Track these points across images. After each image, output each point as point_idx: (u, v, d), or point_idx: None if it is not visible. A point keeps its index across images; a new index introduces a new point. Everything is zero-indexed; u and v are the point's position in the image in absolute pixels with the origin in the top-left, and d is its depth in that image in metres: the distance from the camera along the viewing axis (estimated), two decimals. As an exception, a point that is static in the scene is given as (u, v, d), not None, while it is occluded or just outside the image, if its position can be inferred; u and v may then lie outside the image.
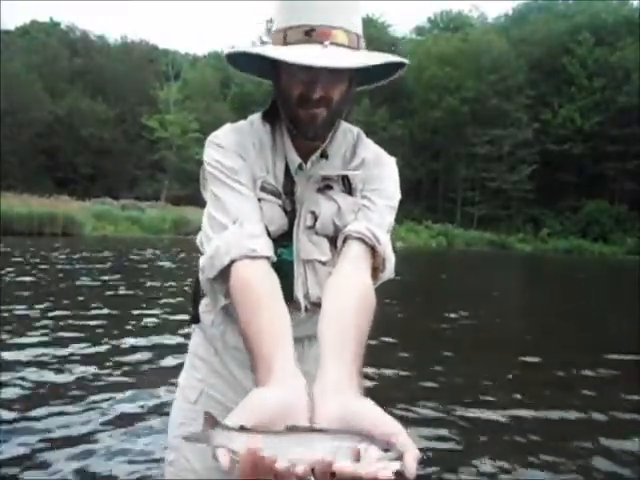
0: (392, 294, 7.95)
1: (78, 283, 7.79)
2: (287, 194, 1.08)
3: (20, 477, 2.24)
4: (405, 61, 1.00)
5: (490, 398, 3.64)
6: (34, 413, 2.87)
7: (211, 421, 0.64)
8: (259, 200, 1.04)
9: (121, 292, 7.26)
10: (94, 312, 5.69)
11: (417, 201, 43.40)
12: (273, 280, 0.93)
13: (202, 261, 1.02)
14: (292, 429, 0.64)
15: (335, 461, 0.58)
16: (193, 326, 1.32)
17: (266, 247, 0.97)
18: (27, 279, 7.76)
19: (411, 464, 0.58)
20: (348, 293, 0.91)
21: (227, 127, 1.11)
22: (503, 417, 3.27)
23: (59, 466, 2.35)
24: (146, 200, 29.88)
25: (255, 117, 1.13)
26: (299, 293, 1.09)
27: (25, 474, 2.26)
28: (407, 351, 4.92)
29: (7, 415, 2.82)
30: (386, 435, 0.63)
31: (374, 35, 43.14)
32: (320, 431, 0.65)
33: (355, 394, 0.73)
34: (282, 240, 1.06)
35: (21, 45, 45.76)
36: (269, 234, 1.02)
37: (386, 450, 0.60)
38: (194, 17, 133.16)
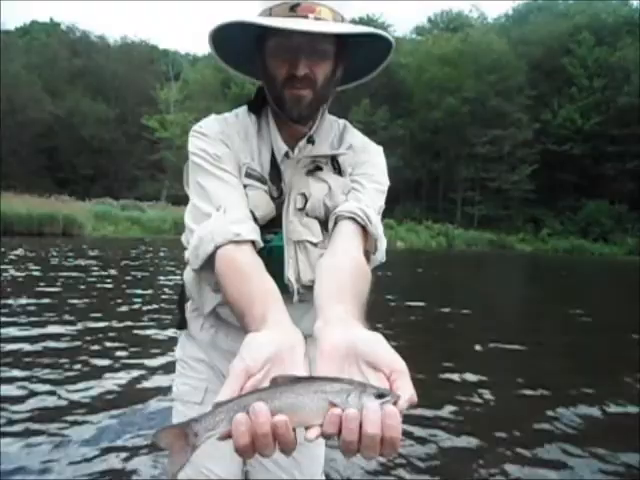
0: (390, 292, 7.95)
1: (78, 282, 7.79)
2: (273, 182, 1.06)
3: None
4: (389, 37, 1.00)
5: (485, 391, 3.65)
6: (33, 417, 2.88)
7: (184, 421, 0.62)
8: (244, 186, 1.03)
9: (121, 291, 7.26)
10: (94, 314, 5.69)
11: (417, 201, 43.41)
12: (260, 262, 0.91)
13: (187, 254, 1.00)
14: (275, 380, 0.61)
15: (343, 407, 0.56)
16: (179, 333, 1.29)
17: (252, 231, 0.95)
18: (27, 279, 7.76)
19: (402, 405, 0.57)
20: (342, 264, 0.89)
21: (211, 117, 1.11)
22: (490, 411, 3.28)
23: (52, 467, 2.35)
24: (146, 200, 29.89)
25: (240, 110, 1.13)
26: (290, 275, 1.04)
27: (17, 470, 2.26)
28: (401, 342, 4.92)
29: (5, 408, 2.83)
30: (389, 370, 0.62)
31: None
32: (309, 379, 0.61)
33: (361, 325, 0.70)
34: (271, 227, 1.04)
35: (21, 45, 45.85)
36: (256, 220, 1.00)
37: (381, 396, 0.57)
38: (194, 17, 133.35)
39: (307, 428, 0.57)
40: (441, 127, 42.72)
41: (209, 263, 0.94)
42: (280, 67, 0.98)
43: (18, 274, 8.21)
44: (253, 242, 0.94)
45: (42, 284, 7.33)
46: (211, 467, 1.15)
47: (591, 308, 8.82)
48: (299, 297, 1.05)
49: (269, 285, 0.84)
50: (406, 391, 0.59)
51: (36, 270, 8.86)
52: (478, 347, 5.28)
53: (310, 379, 0.61)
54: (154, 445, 0.49)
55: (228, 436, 0.58)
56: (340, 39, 1.00)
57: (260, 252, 0.95)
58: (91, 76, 45.71)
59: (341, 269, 0.86)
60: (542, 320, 7.57)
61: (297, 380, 0.60)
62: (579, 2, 51.51)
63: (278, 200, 1.06)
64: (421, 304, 7.76)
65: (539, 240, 39.13)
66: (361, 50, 1.05)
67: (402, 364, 0.62)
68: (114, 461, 2.40)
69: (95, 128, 41.79)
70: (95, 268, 9.81)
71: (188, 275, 1.18)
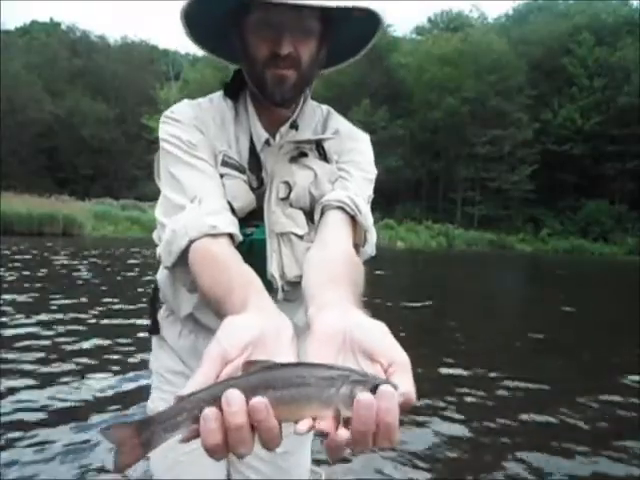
0: (388, 291, 7.95)
1: (78, 281, 7.80)
2: (252, 171, 0.97)
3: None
4: (377, 11, 0.91)
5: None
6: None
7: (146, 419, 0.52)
8: (221, 176, 0.94)
9: (120, 289, 7.27)
10: (93, 311, 5.70)
11: (417, 201, 43.40)
12: (239, 255, 0.82)
13: (159, 250, 0.91)
14: (248, 365, 0.52)
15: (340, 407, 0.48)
16: (153, 340, 1.19)
17: (229, 224, 0.86)
18: (27, 279, 7.76)
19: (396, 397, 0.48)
20: (333, 255, 0.81)
21: (184, 102, 1.03)
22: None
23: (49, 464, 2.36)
24: (146, 200, 29.84)
25: (215, 95, 1.06)
26: (274, 271, 0.95)
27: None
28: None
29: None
30: (387, 361, 0.54)
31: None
32: (293, 365, 0.52)
33: (360, 310, 0.63)
34: (251, 220, 0.96)
35: (21, 45, 45.84)
36: (234, 212, 0.92)
37: (375, 387, 0.49)
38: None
39: (295, 422, 0.49)
40: (441, 127, 42.70)
41: (183, 260, 0.85)
42: (261, 45, 0.89)
43: (18, 273, 8.21)
44: (231, 235, 0.86)
45: (42, 283, 7.33)
46: None
47: (591, 308, 8.83)
48: (284, 295, 0.97)
49: (250, 275, 0.75)
50: (404, 386, 0.50)
51: (36, 269, 8.86)
52: (476, 345, 5.28)
53: (295, 365, 0.52)
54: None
55: (194, 436, 0.49)
56: (326, 15, 0.90)
57: (239, 247, 0.86)
58: (91, 76, 45.74)
59: (332, 260, 0.79)
60: (541, 319, 7.57)
61: (278, 366, 0.51)
62: (579, 2, 51.49)
63: (258, 191, 0.97)
64: (417, 303, 7.76)
65: (539, 240, 39.13)
66: (346, 29, 0.96)
67: (403, 356, 0.54)
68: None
69: (95, 128, 41.83)
70: (94, 267, 9.81)
71: (162, 275, 1.10)
